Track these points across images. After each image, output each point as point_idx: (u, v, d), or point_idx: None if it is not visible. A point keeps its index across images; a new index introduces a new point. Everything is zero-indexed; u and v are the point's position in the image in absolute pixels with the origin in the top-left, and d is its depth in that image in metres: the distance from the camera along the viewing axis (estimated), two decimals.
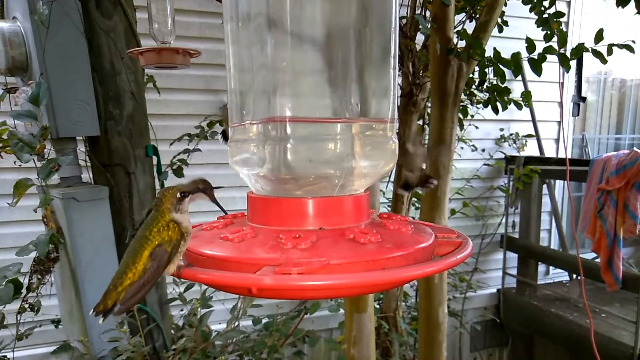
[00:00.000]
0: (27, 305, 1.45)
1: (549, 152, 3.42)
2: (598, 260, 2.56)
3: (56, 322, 1.73)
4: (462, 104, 1.76)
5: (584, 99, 3.48)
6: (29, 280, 1.41)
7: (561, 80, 1.53)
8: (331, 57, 0.37)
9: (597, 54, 1.37)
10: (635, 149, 2.34)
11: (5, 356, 1.51)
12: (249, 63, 0.39)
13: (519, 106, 1.58)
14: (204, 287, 1.62)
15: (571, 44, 1.38)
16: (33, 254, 1.37)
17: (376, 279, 0.30)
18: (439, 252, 0.39)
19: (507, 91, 1.52)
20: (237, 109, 0.41)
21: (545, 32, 1.44)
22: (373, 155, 0.40)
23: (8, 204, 1.27)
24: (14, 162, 1.22)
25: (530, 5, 1.47)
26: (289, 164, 0.36)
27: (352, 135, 0.38)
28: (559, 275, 3.60)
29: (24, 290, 1.37)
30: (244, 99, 0.40)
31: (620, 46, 1.36)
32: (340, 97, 0.37)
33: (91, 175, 1.55)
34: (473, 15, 1.72)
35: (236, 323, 1.62)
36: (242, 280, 0.28)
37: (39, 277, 1.44)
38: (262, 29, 0.36)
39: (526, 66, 1.44)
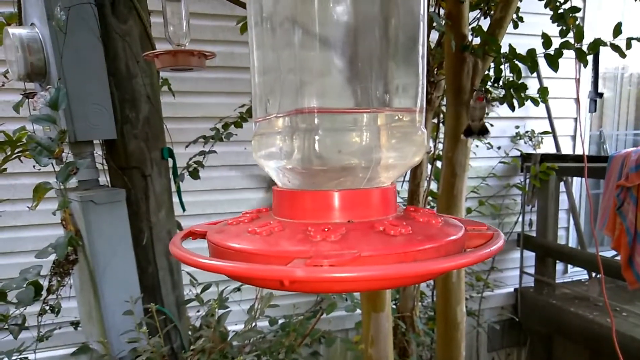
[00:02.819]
0: (47, 307, 1.46)
1: (566, 149, 3.37)
2: (618, 258, 2.52)
3: (75, 324, 1.75)
4: None
5: (600, 95, 3.43)
6: (49, 282, 1.43)
7: (577, 77, 1.51)
8: (357, 48, 0.37)
9: (615, 48, 1.35)
10: None
11: (26, 357, 1.53)
12: (274, 57, 0.38)
13: (535, 102, 1.56)
14: (221, 288, 1.62)
15: (587, 39, 1.36)
16: (52, 257, 1.38)
17: (409, 270, 0.29)
18: (469, 245, 0.38)
19: (524, 87, 1.50)
20: (261, 102, 0.40)
21: (560, 27, 1.42)
22: (401, 145, 0.40)
23: (28, 207, 1.29)
24: (33, 166, 1.24)
25: (545, 1, 1.46)
26: (318, 155, 0.36)
27: (379, 126, 0.38)
28: (577, 273, 3.55)
29: (44, 293, 1.39)
30: (268, 91, 0.40)
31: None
32: (369, 87, 0.37)
33: (108, 178, 1.57)
34: (488, 11, 1.71)
35: (253, 324, 1.62)
36: (274, 273, 0.28)
37: (59, 279, 1.45)
38: (288, 23, 0.36)
39: (541, 63, 1.43)
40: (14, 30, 1.33)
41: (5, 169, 1.31)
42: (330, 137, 0.37)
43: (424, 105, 0.39)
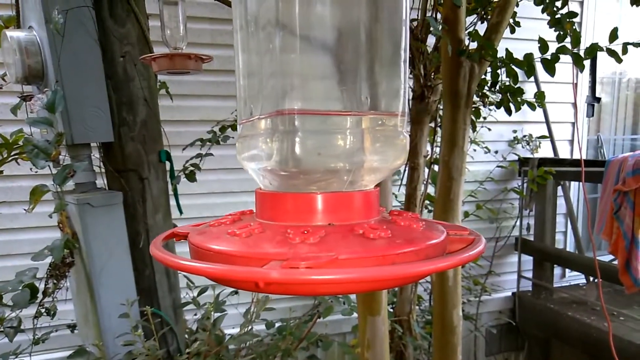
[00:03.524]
0: (43, 310, 1.46)
1: (564, 154, 3.38)
2: (615, 262, 2.52)
3: (72, 327, 1.75)
4: (474, 105, 1.75)
5: (598, 100, 3.43)
6: (45, 285, 1.43)
7: (575, 81, 1.51)
8: (340, 51, 0.37)
9: (612, 53, 1.35)
10: None
11: None
12: (257, 59, 0.39)
13: (532, 107, 1.56)
14: (217, 291, 1.62)
15: (584, 44, 1.36)
16: (49, 259, 1.39)
17: (386, 273, 0.30)
18: (451, 249, 0.38)
19: (521, 92, 1.51)
20: (246, 104, 0.41)
21: (558, 32, 1.42)
22: (383, 149, 0.40)
23: (24, 210, 1.29)
24: (30, 168, 1.24)
25: (542, 6, 1.46)
26: (296, 157, 0.36)
27: (362, 129, 0.38)
28: (575, 278, 3.54)
29: (40, 295, 1.39)
30: (252, 93, 0.40)
31: (636, 44, 1.34)
32: (350, 90, 0.37)
33: (105, 181, 1.57)
34: (484, 16, 1.71)
35: (249, 327, 1.62)
36: (250, 275, 0.28)
37: (55, 281, 1.45)
38: (271, 26, 0.37)
39: (539, 68, 1.43)
40: (12, 33, 1.33)
41: (1, 172, 1.31)
42: (311, 139, 0.37)
43: (407, 110, 0.40)
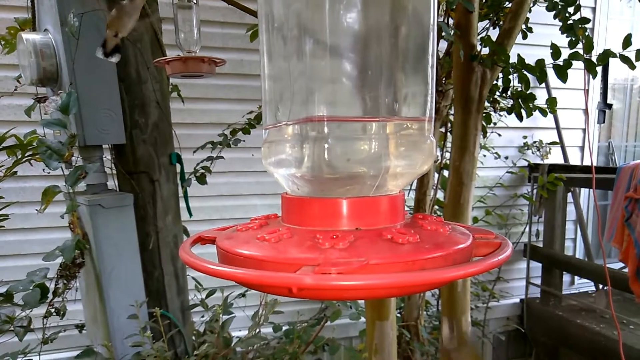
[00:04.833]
0: (53, 310, 1.47)
1: (574, 160, 3.36)
2: (626, 270, 2.49)
3: (80, 327, 1.76)
4: (485, 111, 1.75)
5: (610, 106, 3.41)
6: (55, 285, 1.44)
7: (586, 88, 1.50)
8: (367, 57, 0.37)
9: (625, 59, 1.35)
10: None
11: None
12: (284, 64, 0.39)
13: (543, 113, 1.56)
14: (226, 293, 1.62)
15: (596, 50, 1.36)
16: (59, 260, 1.39)
17: (417, 279, 0.30)
18: (477, 254, 0.38)
19: (532, 97, 1.50)
20: (272, 109, 0.41)
21: (570, 38, 1.42)
22: (410, 154, 0.40)
23: (36, 210, 1.30)
24: (43, 169, 1.25)
25: (555, 12, 1.46)
26: (328, 163, 0.36)
27: (389, 134, 0.38)
28: (584, 285, 3.51)
29: (50, 295, 1.39)
30: (279, 99, 0.41)
31: None
32: (378, 96, 0.37)
33: (117, 183, 1.58)
34: (497, 22, 1.71)
35: (257, 330, 1.62)
36: (283, 280, 0.28)
37: (65, 282, 1.46)
38: (299, 32, 0.37)
39: (550, 74, 1.43)
40: (27, 36, 1.35)
41: (15, 172, 1.32)
42: (340, 145, 0.37)
43: (433, 114, 0.40)
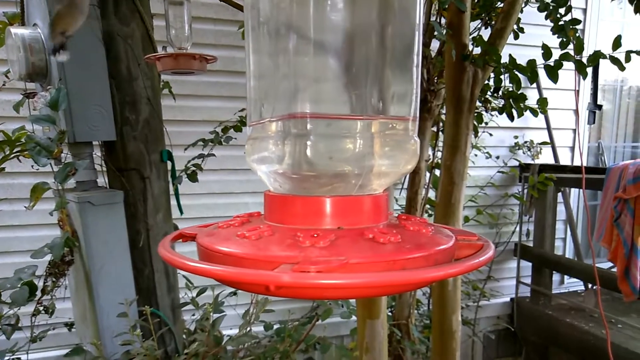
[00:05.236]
0: (41, 308, 1.46)
1: (564, 160, 3.38)
2: (614, 269, 2.51)
3: (69, 325, 1.75)
4: (476, 110, 1.75)
5: (600, 107, 3.44)
6: (44, 282, 1.42)
7: (577, 88, 1.51)
8: (353, 55, 0.37)
9: (614, 60, 1.36)
10: None
11: (19, 358, 1.52)
12: (269, 61, 0.39)
13: (534, 113, 1.56)
14: (217, 291, 1.62)
15: (587, 51, 1.36)
16: (48, 257, 1.38)
17: (397, 279, 0.29)
18: (459, 255, 0.38)
19: (523, 97, 1.51)
20: (256, 106, 0.41)
21: (561, 39, 1.42)
22: (394, 153, 0.40)
23: (25, 207, 1.29)
24: (32, 166, 1.24)
25: (546, 13, 1.46)
26: (309, 160, 0.36)
27: (373, 133, 0.38)
28: (573, 284, 3.54)
29: (38, 293, 1.38)
30: (263, 95, 0.40)
31: (639, 52, 1.35)
32: (362, 94, 0.37)
33: (107, 180, 1.57)
34: (489, 22, 1.71)
35: (248, 328, 1.62)
36: (261, 278, 0.28)
37: (54, 280, 1.45)
38: (284, 29, 0.36)
39: (541, 74, 1.43)
40: (16, 30, 1.33)
41: (3, 168, 1.31)
42: (323, 142, 0.37)
43: (417, 114, 0.40)
